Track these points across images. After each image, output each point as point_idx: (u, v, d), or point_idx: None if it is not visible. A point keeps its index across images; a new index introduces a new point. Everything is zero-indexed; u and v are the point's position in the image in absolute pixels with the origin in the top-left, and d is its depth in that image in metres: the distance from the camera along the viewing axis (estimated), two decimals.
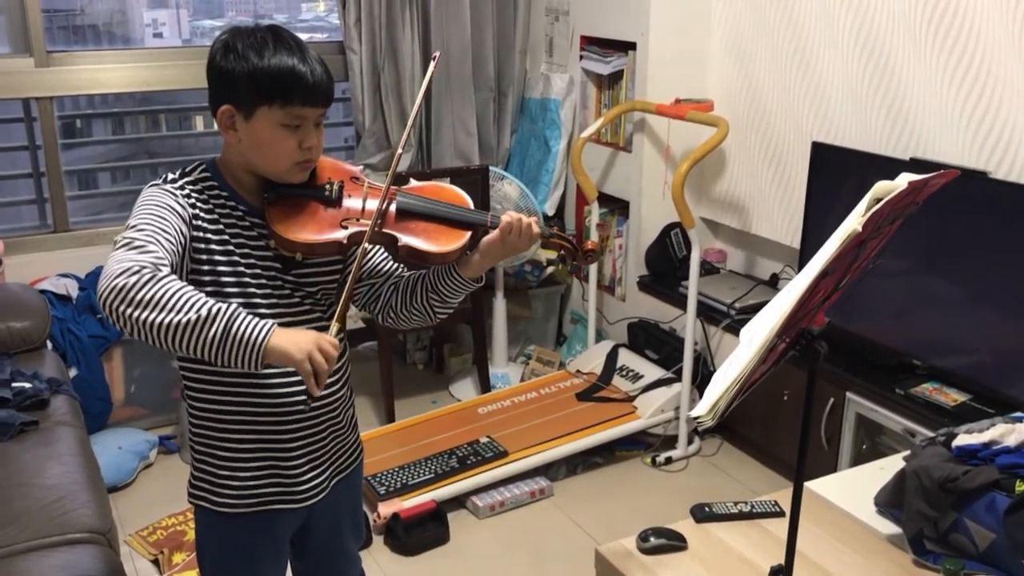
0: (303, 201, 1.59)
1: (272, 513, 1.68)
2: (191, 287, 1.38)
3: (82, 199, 3.97)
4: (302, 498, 1.70)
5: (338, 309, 1.52)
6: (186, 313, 1.34)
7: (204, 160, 1.61)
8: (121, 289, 1.32)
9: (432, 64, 1.75)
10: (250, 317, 1.39)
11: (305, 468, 1.68)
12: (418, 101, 1.76)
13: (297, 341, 1.41)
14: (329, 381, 1.66)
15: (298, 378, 1.61)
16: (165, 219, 1.46)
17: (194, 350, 1.36)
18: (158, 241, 1.41)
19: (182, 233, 1.48)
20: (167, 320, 1.33)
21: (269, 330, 1.39)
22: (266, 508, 1.67)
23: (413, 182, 1.73)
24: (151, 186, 1.54)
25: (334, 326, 1.49)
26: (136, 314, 1.32)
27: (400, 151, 1.71)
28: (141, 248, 1.38)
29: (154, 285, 1.33)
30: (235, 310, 1.38)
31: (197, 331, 1.35)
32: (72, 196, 3.77)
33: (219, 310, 1.36)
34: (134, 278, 1.32)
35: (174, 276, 1.38)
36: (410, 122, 1.76)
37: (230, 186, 1.58)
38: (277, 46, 1.51)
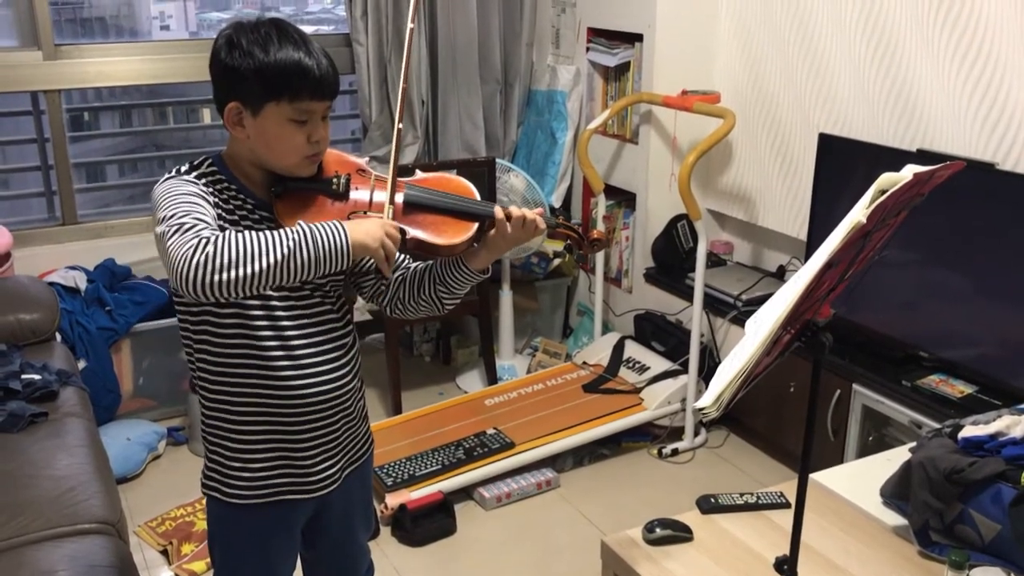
0: (311, 195, 1.60)
1: (284, 503, 1.69)
2: (253, 232, 1.43)
3: (90, 192, 3.98)
4: (314, 488, 1.70)
5: (388, 192, 1.60)
6: (273, 253, 1.40)
7: (210, 154, 1.61)
8: (204, 263, 1.37)
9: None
10: (323, 229, 1.46)
11: (318, 459, 1.69)
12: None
13: (369, 231, 1.50)
14: (340, 372, 1.68)
15: (310, 370, 1.63)
16: (198, 204, 1.49)
17: (293, 278, 1.44)
18: (202, 220, 1.45)
19: (214, 218, 1.51)
20: (261, 267, 1.39)
21: (345, 232, 1.46)
22: (278, 499, 1.68)
23: (419, 173, 1.73)
24: (168, 179, 1.55)
25: (388, 209, 1.59)
26: (230, 275, 1.38)
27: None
28: (193, 227, 1.42)
29: (229, 245, 1.38)
30: (309, 229, 1.45)
31: (292, 262, 1.42)
32: (80, 189, 3.79)
33: (299, 237, 1.43)
34: (210, 248, 1.38)
35: (234, 231, 1.42)
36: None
37: (238, 180, 1.59)
38: (282, 40, 1.51)
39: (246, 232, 1.41)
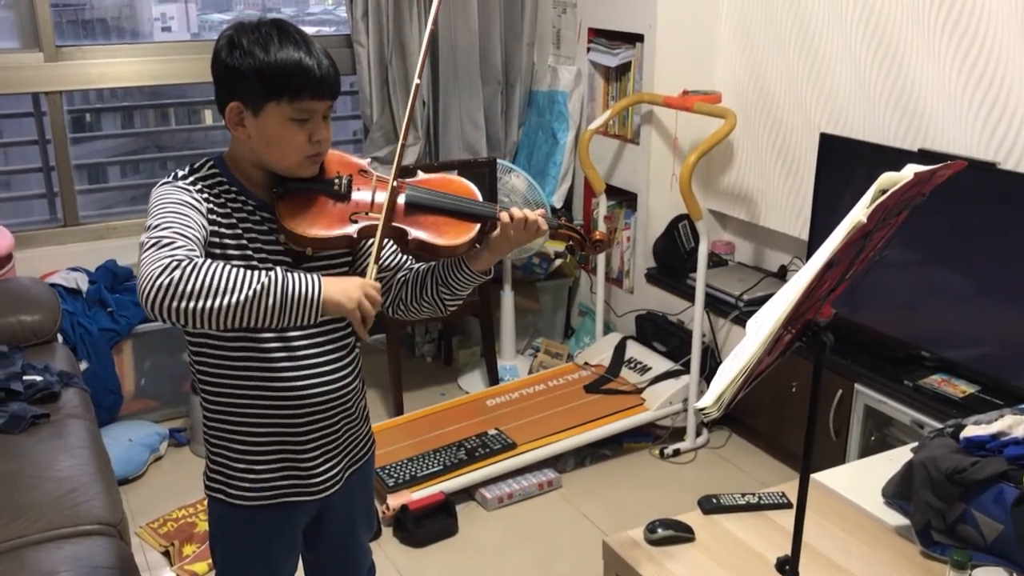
0: (312, 195, 1.59)
1: (286, 505, 1.69)
2: (229, 265, 1.39)
3: (92, 193, 3.98)
4: (317, 490, 1.71)
5: (374, 250, 1.56)
6: (240, 291, 1.36)
7: (211, 156, 1.61)
8: (168, 286, 1.33)
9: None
10: (297, 276, 1.42)
11: (320, 460, 1.69)
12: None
13: (346, 290, 1.44)
14: (342, 372, 1.68)
15: (311, 370, 1.63)
16: (186, 215, 1.47)
17: (255, 321, 1.39)
18: (184, 236, 1.42)
19: (204, 228, 1.49)
20: (223, 303, 1.35)
21: (320, 285, 1.42)
22: (281, 500, 1.68)
23: (421, 174, 1.73)
24: (163, 184, 1.54)
25: (372, 268, 1.53)
26: (190, 305, 1.34)
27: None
28: (170, 244, 1.39)
29: (198, 274, 1.35)
30: (283, 275, 1.41)
31: (256, 304, 1.38)
32: (82, 190, 3.79)
33: (270, 280, 1.39)
34: (177, 272, 1.34)
35: (210, 260, 1.39)
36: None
37: (239, 181, 1.59)
38: (283, 40, 1.51)
39: (221, 264, 1.38)
